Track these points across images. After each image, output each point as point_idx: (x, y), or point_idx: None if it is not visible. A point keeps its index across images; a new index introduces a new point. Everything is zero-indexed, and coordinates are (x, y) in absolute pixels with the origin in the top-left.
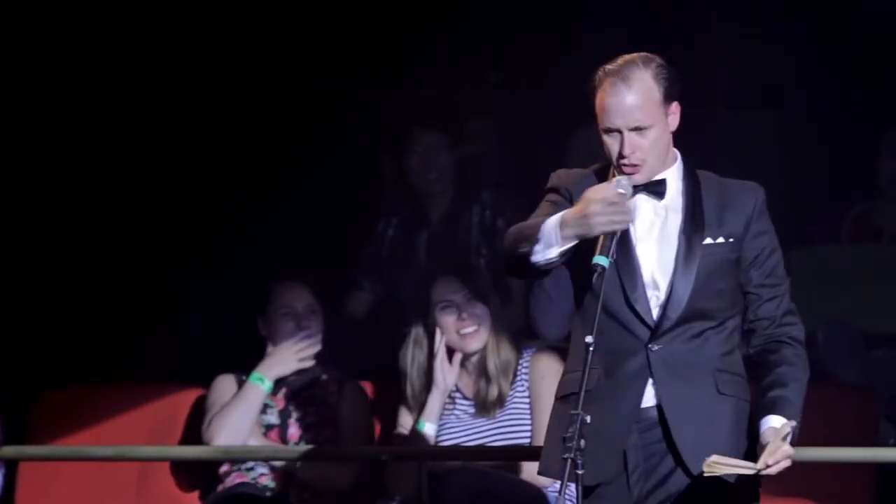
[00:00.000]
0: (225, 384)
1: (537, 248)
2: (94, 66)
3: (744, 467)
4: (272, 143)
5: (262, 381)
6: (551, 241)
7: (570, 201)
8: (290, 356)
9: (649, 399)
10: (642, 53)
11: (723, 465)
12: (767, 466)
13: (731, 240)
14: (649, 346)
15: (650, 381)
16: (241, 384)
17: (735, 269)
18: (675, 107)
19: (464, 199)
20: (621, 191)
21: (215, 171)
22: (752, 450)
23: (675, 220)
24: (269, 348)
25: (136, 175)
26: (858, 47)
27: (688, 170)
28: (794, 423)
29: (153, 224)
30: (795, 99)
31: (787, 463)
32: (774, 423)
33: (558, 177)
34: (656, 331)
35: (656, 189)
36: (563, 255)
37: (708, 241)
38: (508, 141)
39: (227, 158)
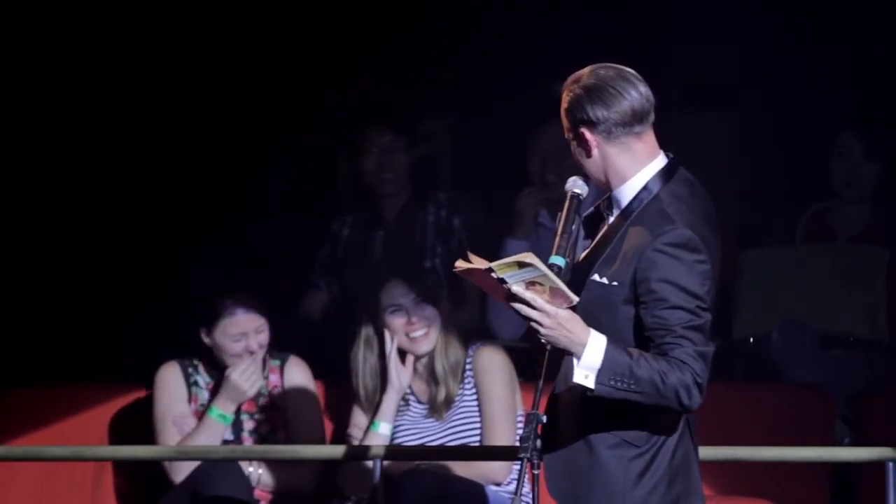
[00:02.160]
0: (172, 384)
1: None
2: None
3: (483, 264)
4: (229, 145)
5: (224, 418)
6: None
7: None
8: (244, 385)
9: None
10: (592, 68)
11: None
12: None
13: (615, 283)
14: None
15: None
16: (185, 373)
17: (623, 310)
18: (581, 133)
19: (419, 198)
20: (577, 190)
21: (174, 173)
22: (613, 479)
23: None
24: (227, 375)
25: (94, 179)
26: (813, 47)
27: (637, 198)
28: (598, 358)
29: (112, 226)
30: (750, 100)
31: (521, 306)
32: (594, 336)
33: None
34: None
35: (608, 205)
36: None
37: (595, 277)
38: (464, 141)
39: (185, 161)
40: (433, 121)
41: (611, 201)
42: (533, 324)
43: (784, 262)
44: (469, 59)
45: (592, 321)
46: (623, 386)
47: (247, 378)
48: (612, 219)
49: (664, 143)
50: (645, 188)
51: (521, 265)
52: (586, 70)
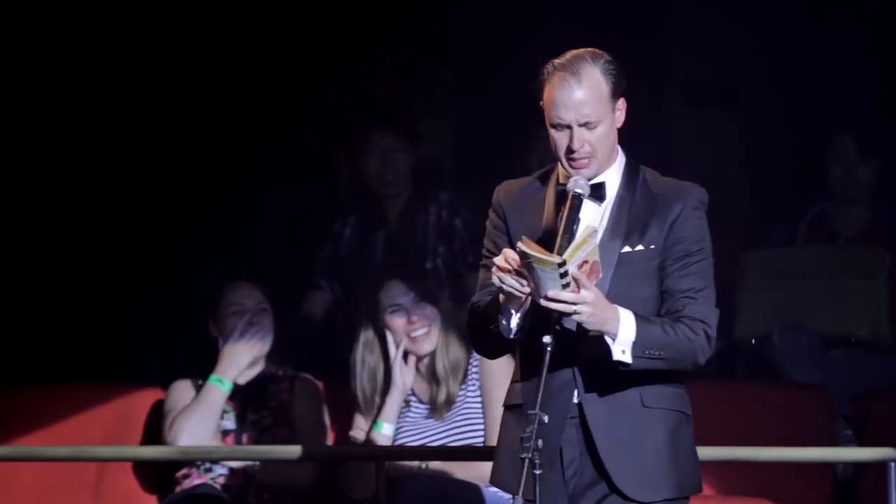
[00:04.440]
0: (182, 389)
1: (503, 323)
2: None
3: (547, 255)
4: (230, 144)
5: (221, 382)
6: (509, 312)
7: (504, 220)
8: (243, 352)
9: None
10: (590, 49)
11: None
12: (568, 281)
13: (652, 247)
14: (576, 352)
15: (575, 387)
16: (198, 388)
17: (659, 274)
18: (621, 103)
19: (421, 198)
20: (578, 190)
21: (174, 174)
22: (686, 462)
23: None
24: (221, 348)
25: (91, 176)
26: (815, 48)
27: (629, 168)
28: (632, 333)
29: (112, 224)
30: (751, 100)
31: (566, 299)
32: (623, 312)
33: (497, 192)
34: (581, 336)
35: (597, 193)
36: (523, 319)
37: (626, 249)
38: (464, 140)
39: (185, 162)
40: (434, 121)
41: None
42: (578, 307)
43: (786, 263)
44: (469, 58)
45: (628, 294)
46: (655, 355)
47: (247, 346)
48: (608, 198)
49: (667, 144)
50: (629, 167)
51: (584, 243)
52: (583, 50)
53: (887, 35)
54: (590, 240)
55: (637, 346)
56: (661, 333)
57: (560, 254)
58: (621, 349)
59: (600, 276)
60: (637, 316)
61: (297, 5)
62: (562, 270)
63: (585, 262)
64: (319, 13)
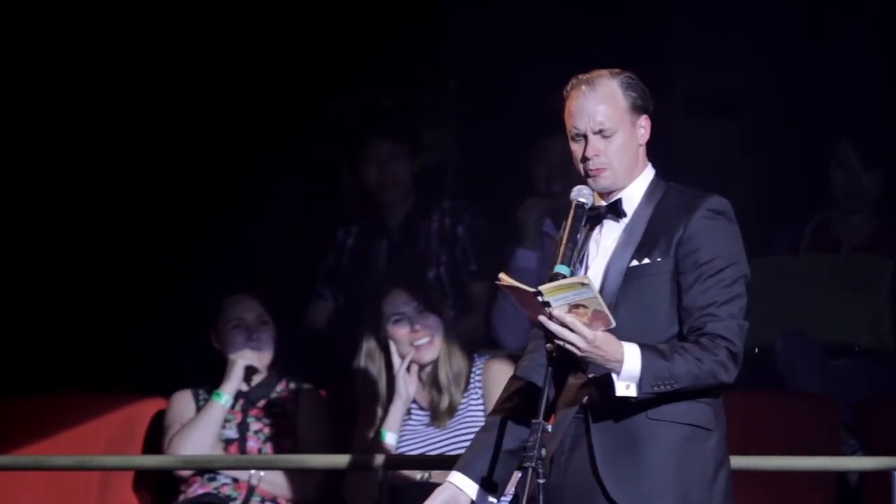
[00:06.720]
0: (182, 401)
1: None
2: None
3: (522, 286)
4: (234, 155)
5: (219, 396)
6: None
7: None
8: (239, 365)
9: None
10: (615, 69)
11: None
12: (551, 314)
13: (659, 259)
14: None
15: (587, 394)
16: (198, 399)
17: (672, 287)
18: (643, 119)
19: (423, 207)
20: (582, 200)
21: (175, 177)
22: (696, 479)
23: None
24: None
25: (94, 182)
26: (817, 53)
27: (654, 185)
28: (636, 367)
29: (112, 229)
30: (753, 108)
31: (560, 329)
32: (629, 348)
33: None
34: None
35: (615, 209)
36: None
37: (634, 263)
38: (468, 149)
39: (188, 171)
40: (438, 129)
41: (610, 205)
42: (568, 346)
43: (788, 271)
44: (474, 67)
45: (643, 312)
46: (665, 388)
47: (244, 359)
48: (627, 216)
49: (668, 153)
50: (653, 181)
51: (570, 287)
52: (610, 69)
53: (889, 42)
54: (579, 287)
55: (644, 383)
56: (668, 365)
57: (564, 263)
58: (625, 385)
59: (611, 325)
60: (644, 350)
61: (299, 8)
62: (539, 300)
63: (583, 307)
64: (322, 18)
